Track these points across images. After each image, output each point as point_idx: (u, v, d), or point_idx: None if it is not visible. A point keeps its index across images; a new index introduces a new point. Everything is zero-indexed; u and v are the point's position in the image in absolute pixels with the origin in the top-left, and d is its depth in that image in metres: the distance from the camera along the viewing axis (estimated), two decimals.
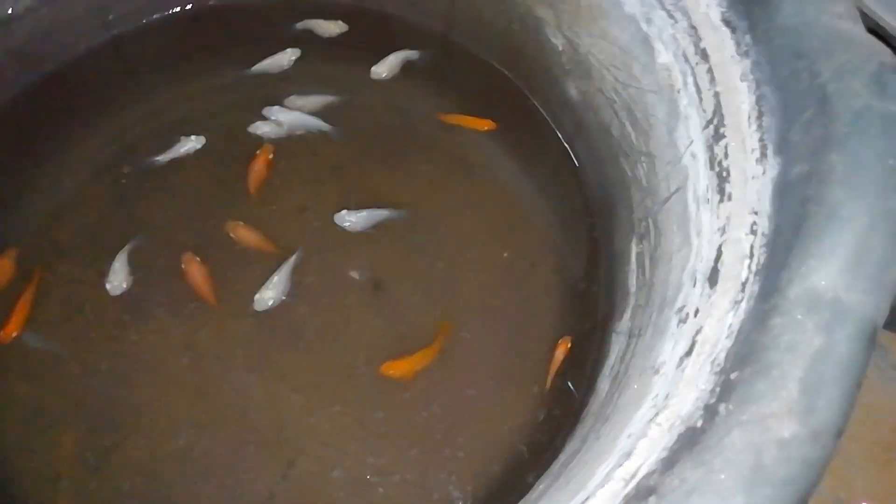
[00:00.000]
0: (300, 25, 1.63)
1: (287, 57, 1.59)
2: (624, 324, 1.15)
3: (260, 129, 1.49)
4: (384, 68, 1.56)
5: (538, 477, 1.08)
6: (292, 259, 1.36)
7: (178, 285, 1.35)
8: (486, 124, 1.53)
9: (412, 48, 1.60)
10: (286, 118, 1.50)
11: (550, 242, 1.45)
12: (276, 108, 1.52)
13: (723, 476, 0.57)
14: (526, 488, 1.07)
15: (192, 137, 1.48)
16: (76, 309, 1.34)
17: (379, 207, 1.42)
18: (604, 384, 1.11)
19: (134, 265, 1.36)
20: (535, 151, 1.54)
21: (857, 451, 1.40)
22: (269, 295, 1.32)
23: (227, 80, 1.62)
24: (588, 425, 1.04)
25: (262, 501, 1.19)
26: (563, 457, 1.04)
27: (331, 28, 1.61)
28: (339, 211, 1.40)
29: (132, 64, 1.62)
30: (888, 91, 0.71)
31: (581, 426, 1.08)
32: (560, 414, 1.23)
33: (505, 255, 1.45)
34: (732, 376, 0.66)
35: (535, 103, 1.55)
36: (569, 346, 1.31)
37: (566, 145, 1.51)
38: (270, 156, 1.47)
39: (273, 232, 1.41)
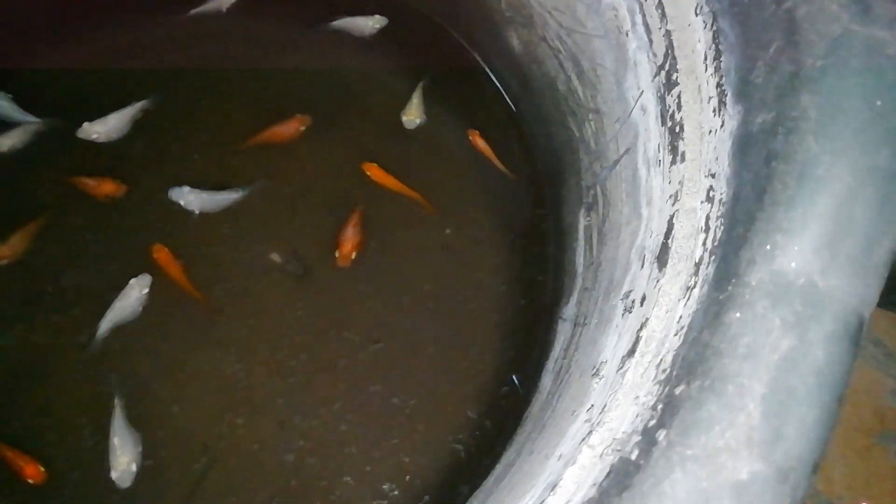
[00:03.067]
0: None
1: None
2: (570, 309, 1.00)
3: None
4: (100, 128, 1.28)
5: (474, 489, 0.93)
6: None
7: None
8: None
9: (138, 101, 1.30)
10: None
11: (498, 216, 1.29)
12: None
13: None
14: (461, 501, 0.92)
15: None
16: None
17: (234, 188, 1.24)
18: (547, 380, 0.96)
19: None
20: (481, 114, 1.36)
21: (835, 437, 1.27)
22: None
23: None
24: (526, 432, 0.89)
25: None
26: (498, 469, 0.90)
27: None
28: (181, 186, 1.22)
29: None
30: (873, 11, 0.55)
31: (521, 431, 0.94)
32: (502, 413, 1.08)
33: (447, 231, 1.29)
34: (678, 390, 0.50)
35: (477, 57, 1.37)
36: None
37: (512, 106, 1.34)
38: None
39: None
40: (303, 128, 1.32)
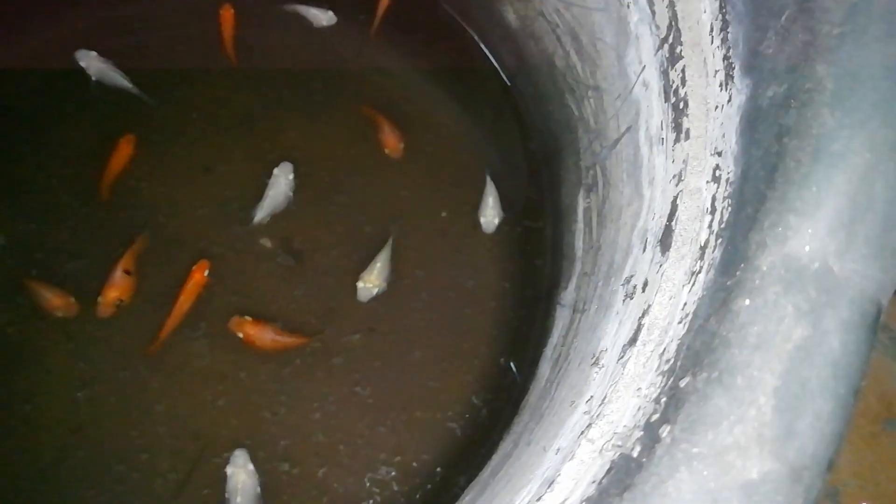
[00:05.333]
0: None
1: None
2: (569, 294, 0.97)
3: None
4: None
5: (469, 480, 0.90)
6: None
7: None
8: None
9: None
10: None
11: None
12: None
13: None
14: (454, 495, 0.90)
15: None
16: None
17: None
18: (545, 368, 0.93)
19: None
20: (475, 92, 1.32)
21: None
22: None
23: None
24: (524, 421, 0.86)
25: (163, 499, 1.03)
26: (495, 459, 0.87)
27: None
28: None
29: None
30: None
31: (518, 420, 0.91)
32: (499, 402, 1.05)
33: (443, 214, 1.25)
34: (683, 383, 0.47)
35: (472, 34, 1.32)
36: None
37: (507, 83, 1.29)
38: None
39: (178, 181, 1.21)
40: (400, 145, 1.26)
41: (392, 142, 1.25)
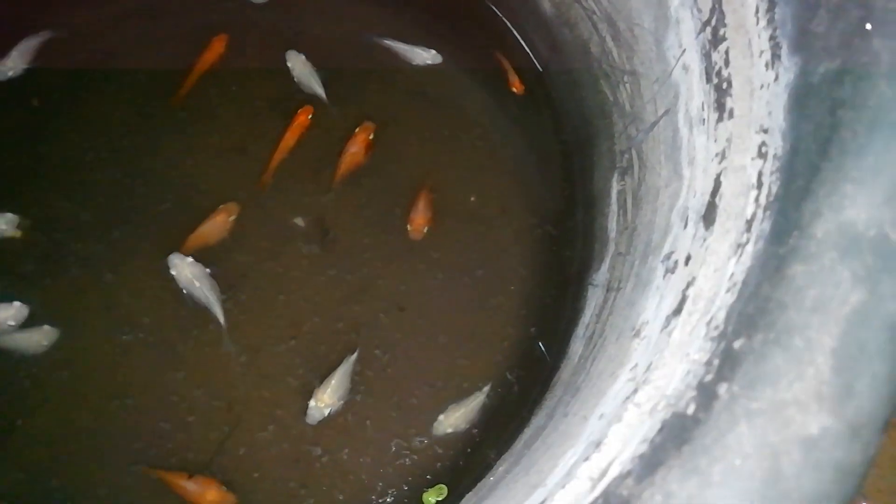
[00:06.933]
0: None
1: None
2: (602, 275, 0.98)
3: None
4: None
5: (500, 454, 0.92)
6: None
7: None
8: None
9: None
10: None
11: (523, 184, 1.26)
12: None
13: (724, 492, 0.40)
14: (486, 466, 0.91)
15: None
16: None
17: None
18: (577, 346, 0.94)
19: None
20: (507, 79, 1.33)
21: None
22: None
23: None
24: (557, 396, 0.87)
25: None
26: (527, 432, 0.88)
27: None
28: None
29: None
30: None
31: (550, 396, 0.92)
32: (528, 379, 1.06)
33: (472, 199, 1.26)
34: (737, 345, 0.48)
35: (506, 22, 1.33)
36: None
37: (540, 70, 1.30)
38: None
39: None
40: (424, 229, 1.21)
41: (418, 222, 1.19)
